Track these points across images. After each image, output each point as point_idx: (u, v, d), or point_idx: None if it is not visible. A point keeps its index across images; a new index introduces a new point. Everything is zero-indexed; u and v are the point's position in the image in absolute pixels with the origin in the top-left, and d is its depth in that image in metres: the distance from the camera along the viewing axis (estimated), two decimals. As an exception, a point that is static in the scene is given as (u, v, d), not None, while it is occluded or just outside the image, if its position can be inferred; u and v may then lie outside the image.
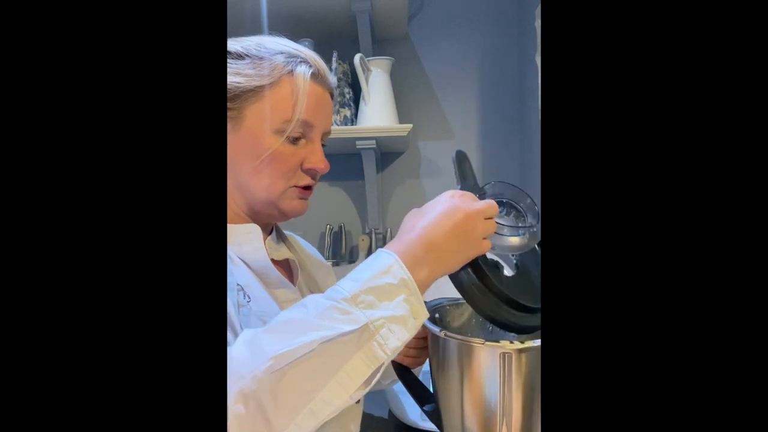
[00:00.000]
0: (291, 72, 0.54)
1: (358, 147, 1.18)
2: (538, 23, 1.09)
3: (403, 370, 0.59)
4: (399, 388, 0.89)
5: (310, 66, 0.56)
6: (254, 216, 0.58)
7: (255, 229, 0.58)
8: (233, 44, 0.55)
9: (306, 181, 0.58)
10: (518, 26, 1.32)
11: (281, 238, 0.67)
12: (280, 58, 0.54)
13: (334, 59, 1.19)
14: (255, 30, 0.60)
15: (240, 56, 0.54)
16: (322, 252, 1.37)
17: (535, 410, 0.46)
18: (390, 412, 0.85)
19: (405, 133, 1.14)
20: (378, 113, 1.17)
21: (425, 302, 0.43)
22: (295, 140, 0.55)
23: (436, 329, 0.48)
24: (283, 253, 0.62)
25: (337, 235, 1.37)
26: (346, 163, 1.36)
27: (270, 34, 0.60)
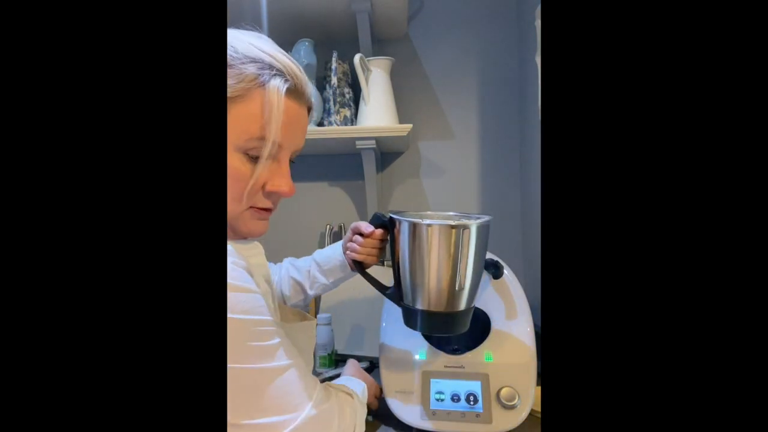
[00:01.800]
0: (263, 85, 0.48)
1: (358, 147, 1.18)
2: (538, 23, 1.09)
3: (361, 267, 0.77)
4: (398, 387, 0.89)
5: (287, 79, 0.50)
6: None
7: (258, 246, 0.60)
8: None
9: (266, 203, 0.54)
10: (518, 26, 1.32)
11: None
12: (252, 69, 0.48)
13: (334, 59, 1.19)
14: (255, 30, 0.59)
15: None
16: (322, 252, 1.38)
17: (479, 270, 0.67)
18: (390, 412, 0.86)
19: (405, 133, 1.14)
20: (378, 113, 1.16)
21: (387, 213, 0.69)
22: (257, 159, 0.50)
23: (417, 220, 0.64)
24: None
25: (337, 235, 1.37)
26: (346, 163, 1.37)
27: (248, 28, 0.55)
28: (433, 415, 0.80)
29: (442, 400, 0.81)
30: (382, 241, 0.75)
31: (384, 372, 0.87)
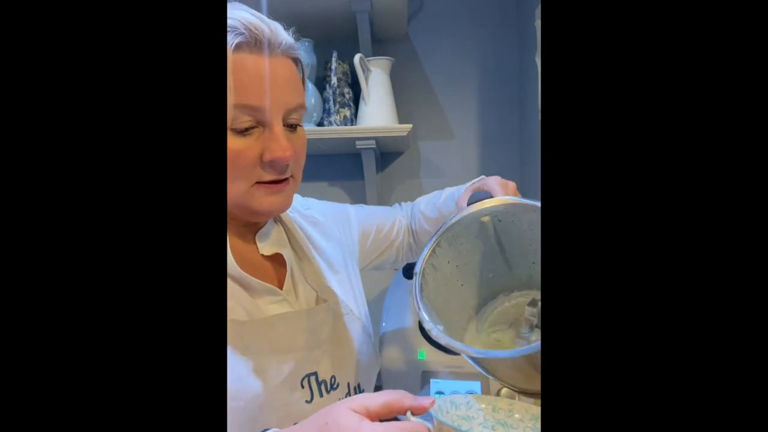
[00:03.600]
0: None
1: (358, 147, 1.18)
2: (538, 23, 1.09)
3: None
4: (398, 388, 0.89)
5: (239, 33, 0.44)
6: (233, 217, 0.52)
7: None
8: None
9: (270, 176, 0.49)
10: (518, 26, 1.32)
11: (280, 226, 0.62)
12: None
13: (334, 59, 1.19)
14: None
15: None
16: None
17: None
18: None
19: (405, 133, 1.14)
20: (378, 113, 1.16)
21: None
22: (245, 131, 0.46)
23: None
24: (272, 247, 0.57)
25: (337, 235, 1.37)
26: (346, 163, 1.36)
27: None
28: (432, 415, 0.80)
29: (442, 400, 0.81)
30: None
31: (384, 372, 0.87)
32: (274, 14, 1.17)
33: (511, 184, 0.59)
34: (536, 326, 0.50)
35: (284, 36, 0.50)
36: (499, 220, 0.51)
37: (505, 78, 1.34)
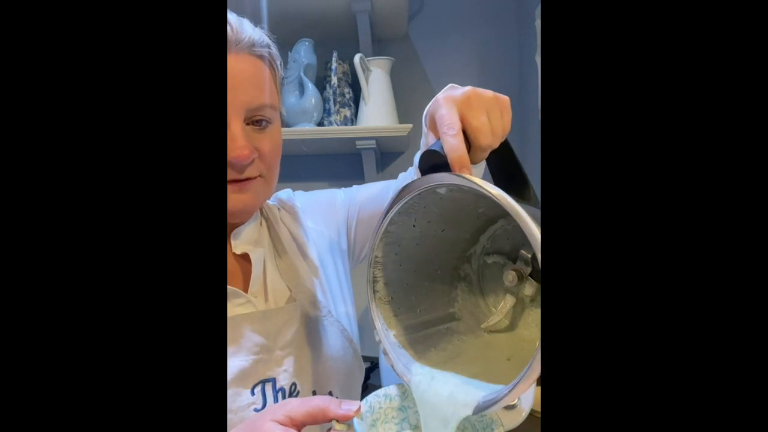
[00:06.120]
0: None
1: (358, 147, 1.18)
2: (538, 23, 1.09)
3: None
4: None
5: None
6: None
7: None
8: None
9: (230, 174, 0.48)
10: (518, 26, 1.32)
11: (264, 224, 0.59)
12: None
13: (334, 59, 1.19)
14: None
15: None
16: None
17: None
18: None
19: (405, 133, 1.14)
20: (378, 113, 1.17)
21: None
22: None
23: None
24: (244, 245, 0.55)
25: (337, 235, 1.37)
26: (346, 163, 1.36)
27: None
28: (433, 415, 0.80)
29: (442, 400, 0.81)
30: None
31: (384, 372, 0.87)
32: (274, 14, 1.17)
33: (462, 101, 0.43)
34: (528, 276, 0.45)
35: (249, 34, 0.48)
36: (461, 187, 0.40)
37: (505, 78, 1.34)
